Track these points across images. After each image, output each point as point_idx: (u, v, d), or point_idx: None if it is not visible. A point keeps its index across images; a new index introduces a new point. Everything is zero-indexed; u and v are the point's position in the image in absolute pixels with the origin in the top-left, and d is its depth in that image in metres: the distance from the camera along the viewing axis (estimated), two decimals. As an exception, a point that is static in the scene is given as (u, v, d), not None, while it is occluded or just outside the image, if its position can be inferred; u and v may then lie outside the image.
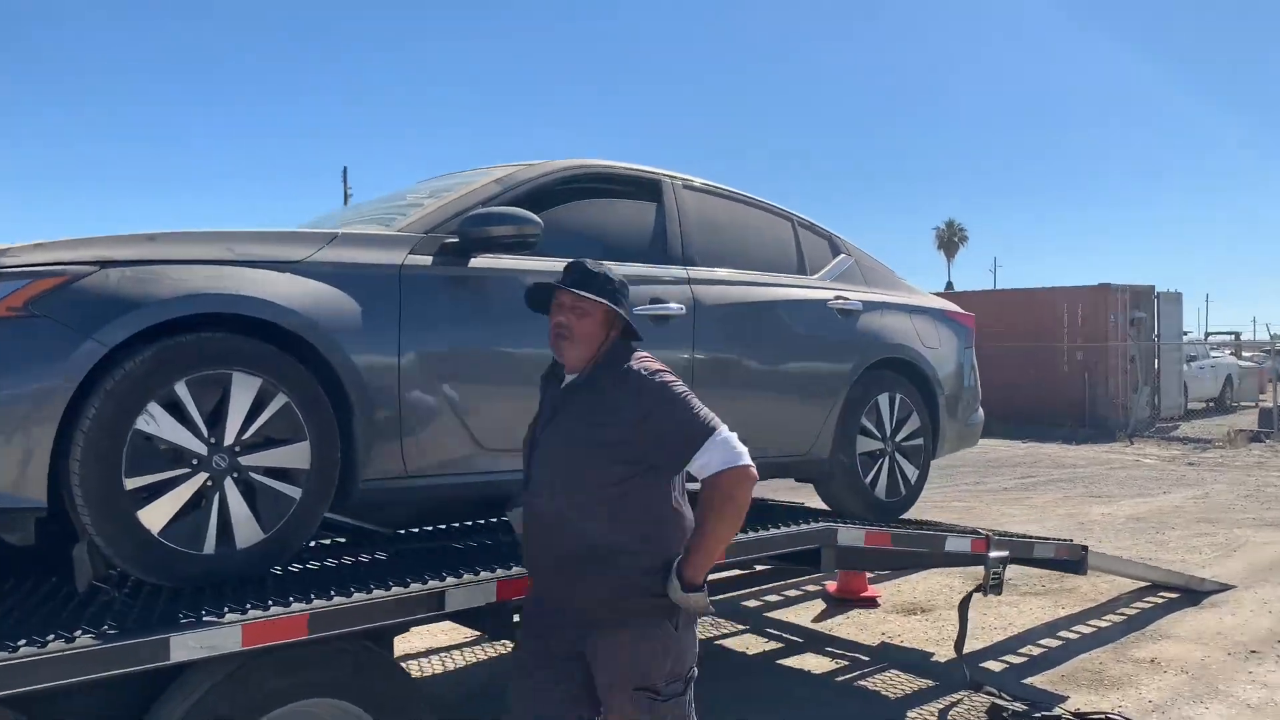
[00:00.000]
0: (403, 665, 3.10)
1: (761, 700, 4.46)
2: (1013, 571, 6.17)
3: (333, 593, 2.66)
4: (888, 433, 4.68)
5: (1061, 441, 16.61)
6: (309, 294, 2.89)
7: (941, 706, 4.40)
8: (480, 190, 3.50)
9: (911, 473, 4.81)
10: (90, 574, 2.59)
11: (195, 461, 2.66)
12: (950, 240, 74.03)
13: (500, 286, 3.32)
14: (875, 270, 5.05)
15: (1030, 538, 5.25)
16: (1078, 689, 4.61)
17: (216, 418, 2.70)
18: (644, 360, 2.48)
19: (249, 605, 2.52)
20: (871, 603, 6.21)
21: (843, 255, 4.88)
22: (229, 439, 2.71)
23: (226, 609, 2.48)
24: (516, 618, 2.88)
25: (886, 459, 4.68)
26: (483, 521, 4.01)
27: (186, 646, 2.35)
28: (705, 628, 5.66)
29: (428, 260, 3.19)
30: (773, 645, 5.41)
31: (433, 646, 5.16)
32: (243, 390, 2.73)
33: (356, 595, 2.68)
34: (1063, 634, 5.55)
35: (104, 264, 2.62)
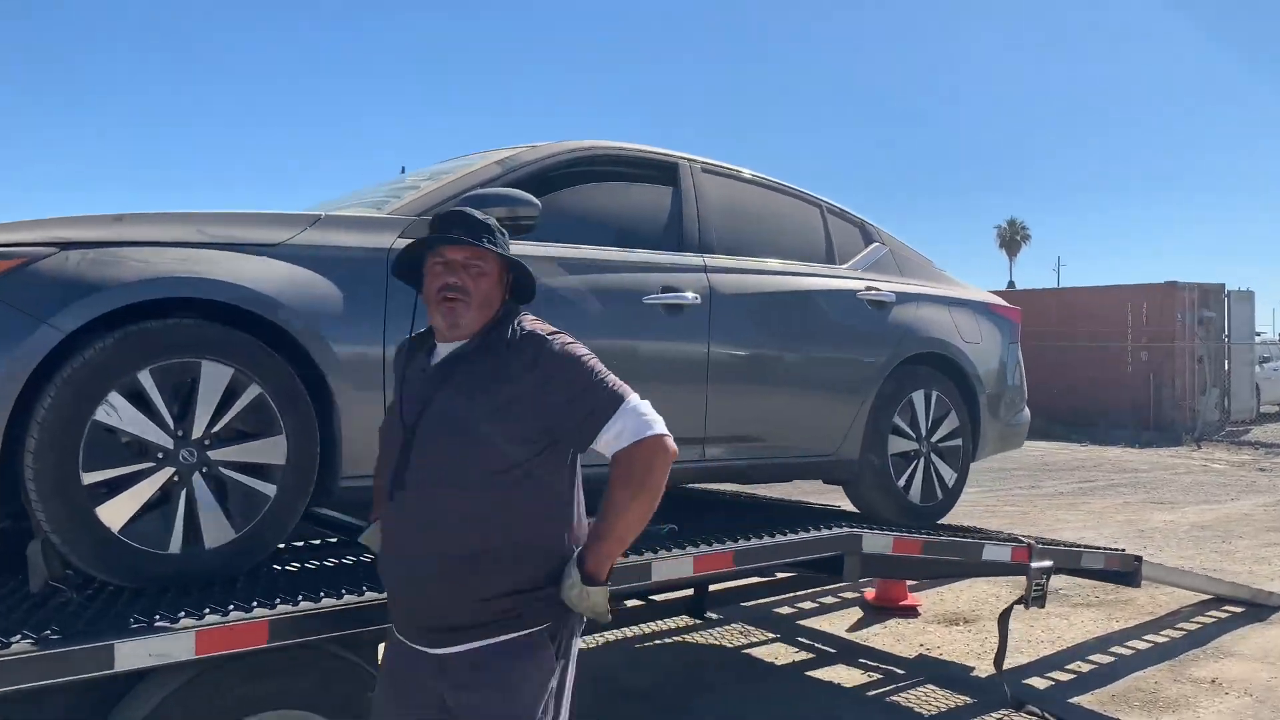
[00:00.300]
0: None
1: (787, 714, 4.22)
2: (1064, 581, 5.87)
3: (300, 597, 2.48)
4: (923, 432, 4.39)
5: (1124, 445, 16.00)
6: (287, 279, 2.73)
7: (978, 726, 4.11)
8: (480, 172, 3.31)
9: (949, 475, 4.52)
10: (45, 574, 2.45)
11: (160, 455, 2.51)
12: (1012, 239, 72.42)
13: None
14: (912, 260, 4.76)
15: (1079, 546, 4.92)
16: (1130, 710, 4.28)
17: (184, 409, 2.56)
18: (537, 323, 2.05)
19: (208, 609, 2.36)
20: (911, 612, 5.91)
21: (876, 244, 4.60)
22: (197, 431, 2.56)
23: (183, 613, 2.32)
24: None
25: (921, 460, 4.40)
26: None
27: (134, 654, 2.19)
28: (732, 635, 5.43)
29: (418, 245, 3.01)
30: (803, 655, 5.14)
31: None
32: (213, 380, 2.58)
33: (326, 600, 2.50)
34: (1115, 649, 5.19)
35: (64, 245, 2.48)
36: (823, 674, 4.81)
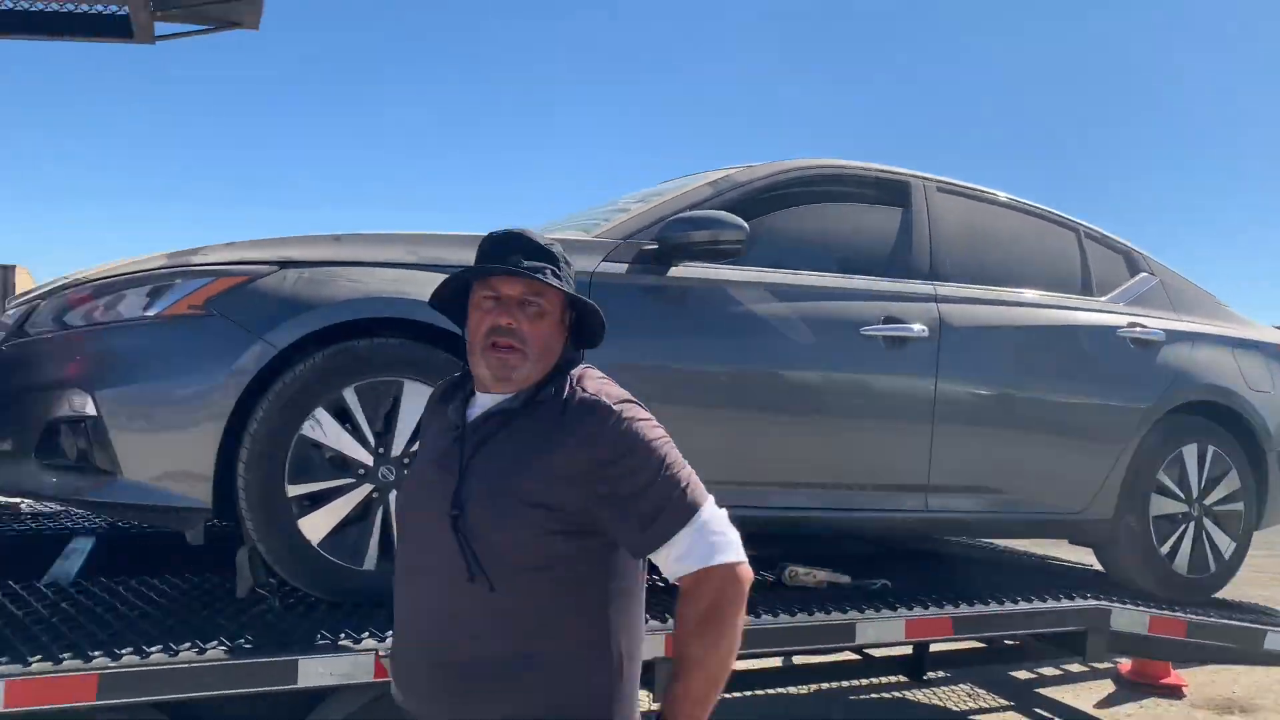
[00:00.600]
0: None
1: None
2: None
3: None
4: (1194, 493, 3.79)
5: None
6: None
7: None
8: (691, 194, 3.18)
9: (1225, 544, 3.88)
10: (250, 580, 2.54)
11: (361, 472, 2.55)
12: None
13: (703, 298, 3.00)
14: (1187, 293, 4.15)
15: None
16: None
17: (386, 428, 2.59)
18: (603, 384, 1.60)
19: (391, 632, 2.35)
20: (1174, 692, 5.16)
21: (1144, 274, 4.05)
22: (396, 450, 2.58)
23: (366, 634, 2.33)
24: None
25: (1191, 525, 3.80)
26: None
27: (316, 673, 2.21)
28: (958, 697, 4.96)
29: (622, 268, 2.92)
30: (1040, 731, 4.61)
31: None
32: (414, 400, 2.59)
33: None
34: None
35: (284, 264, 2.58)
36: (1061, 756, 4.28)
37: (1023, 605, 3.06)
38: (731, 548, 1.50)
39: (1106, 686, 5.24)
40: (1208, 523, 3.83)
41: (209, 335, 2.46)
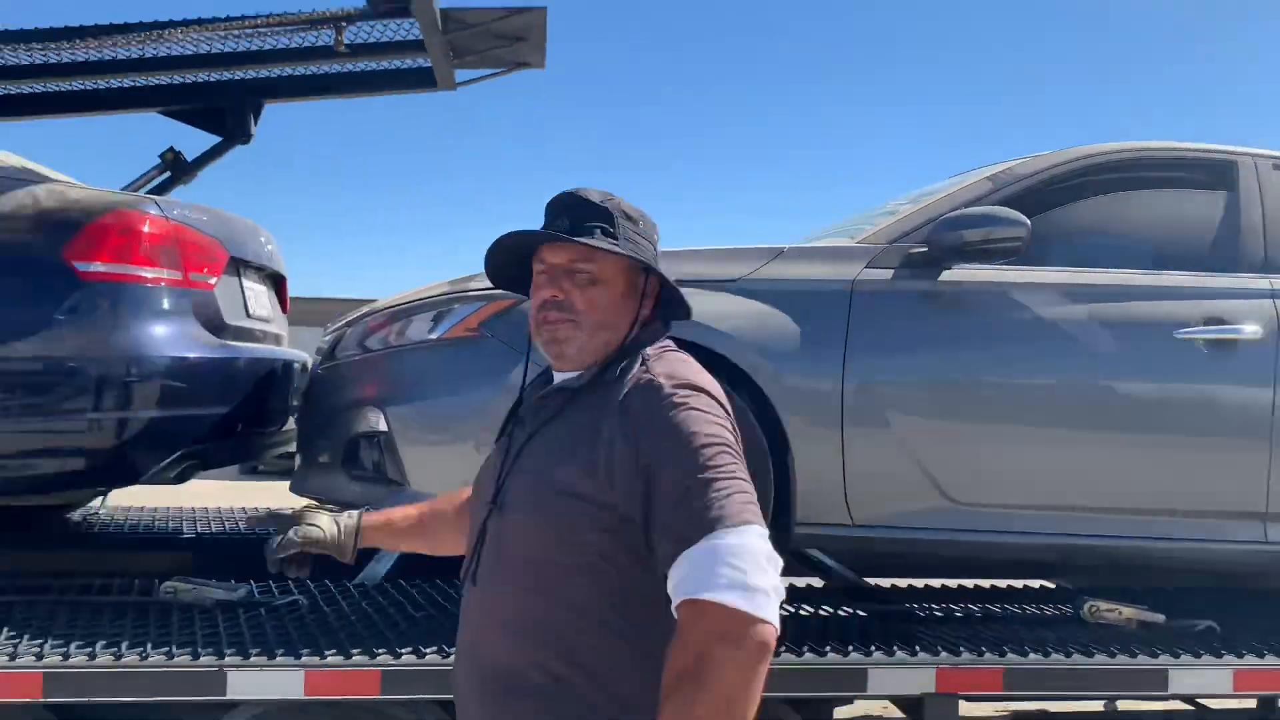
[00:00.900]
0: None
1: None
2: None
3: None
4: None
5: None
6: (741, 315, 2.66)
7: None
8: (967, 190, 2.95)
9: None
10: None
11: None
12: None
13: (982, 303, 2.76)
14: None
15: None
16: None
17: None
18: (674, 363, 1.38)
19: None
20: None
21: None
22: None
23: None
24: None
25: None
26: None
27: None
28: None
29: (887, 274, 2.75)
30: None
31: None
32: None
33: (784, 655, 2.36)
34: None
35: (549, 286, 2.69)
36: None
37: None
38: (743, 590, 1.12)
39: None
40: None
41: (482, 355, 2.61)
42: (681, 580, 1.16)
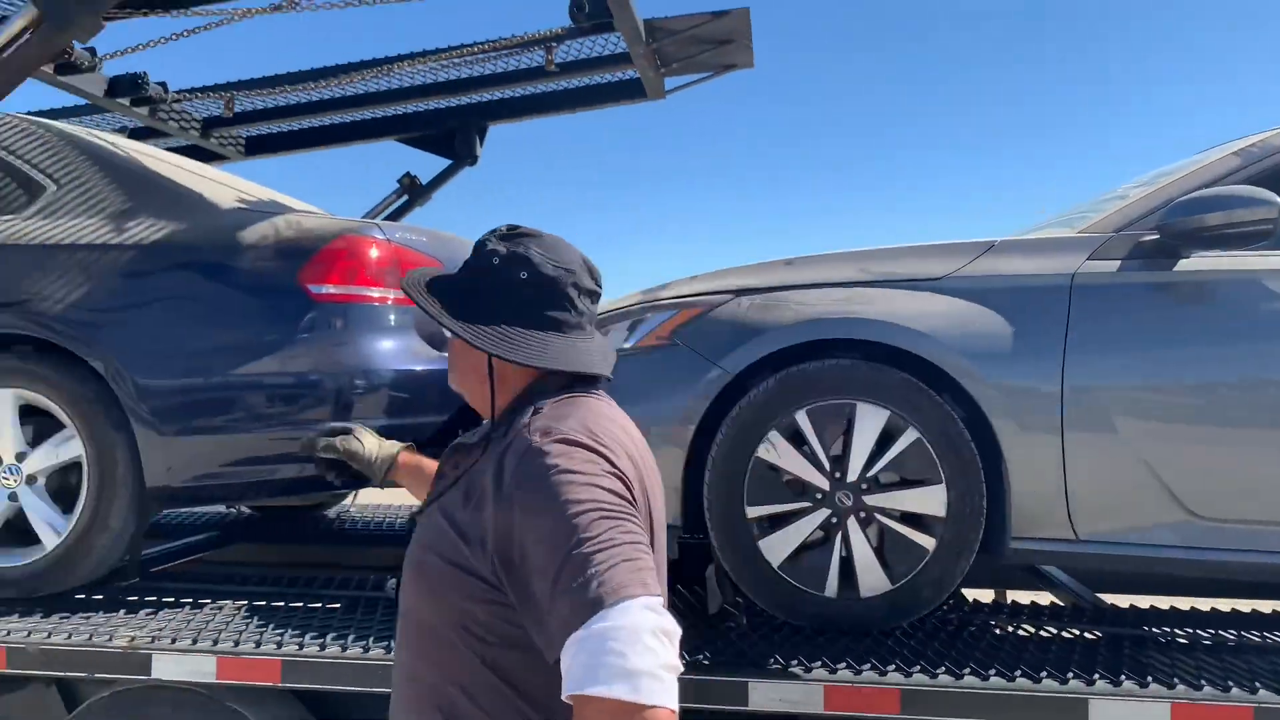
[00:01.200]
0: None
1: None
2: None
3: (943, 670, 2.24)
4: None
5: None
6: (946, 314, 2.51)
7: None
8: (1210, 168, 2.62)
9: None
10: (720, 598, 2.64)
11: (818, 496, 2.52)
12: None
13: (1224, 295, 2.45)
14: None
15: None
16: None
17: (842, 451, 2.52)
18: (562, 419, 1.26)
19: (844, 664, 2.28)
20: None
21: None
22: (853, 475, 2.50)
23: (819, 663, 2.28)
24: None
25: None
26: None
27: (765, 697, 2.21)
28: None
29: (1112, 266, 2.50)
30: None
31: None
32: (868, 422, 2.49)
33: (968, 678, 2.21)
34: None
35: (739, 292, 2.66)
36: None
37: None
38: (626, 678, 1.01)
39: None
40: None
41: (673, 364, 2.62)
42: (567, 672, 1.06)
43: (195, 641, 2.47)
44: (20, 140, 3.07)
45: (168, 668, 2.41)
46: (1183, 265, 2.46)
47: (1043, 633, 2.64)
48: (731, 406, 2.55)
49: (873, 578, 2.50)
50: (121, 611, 2.74)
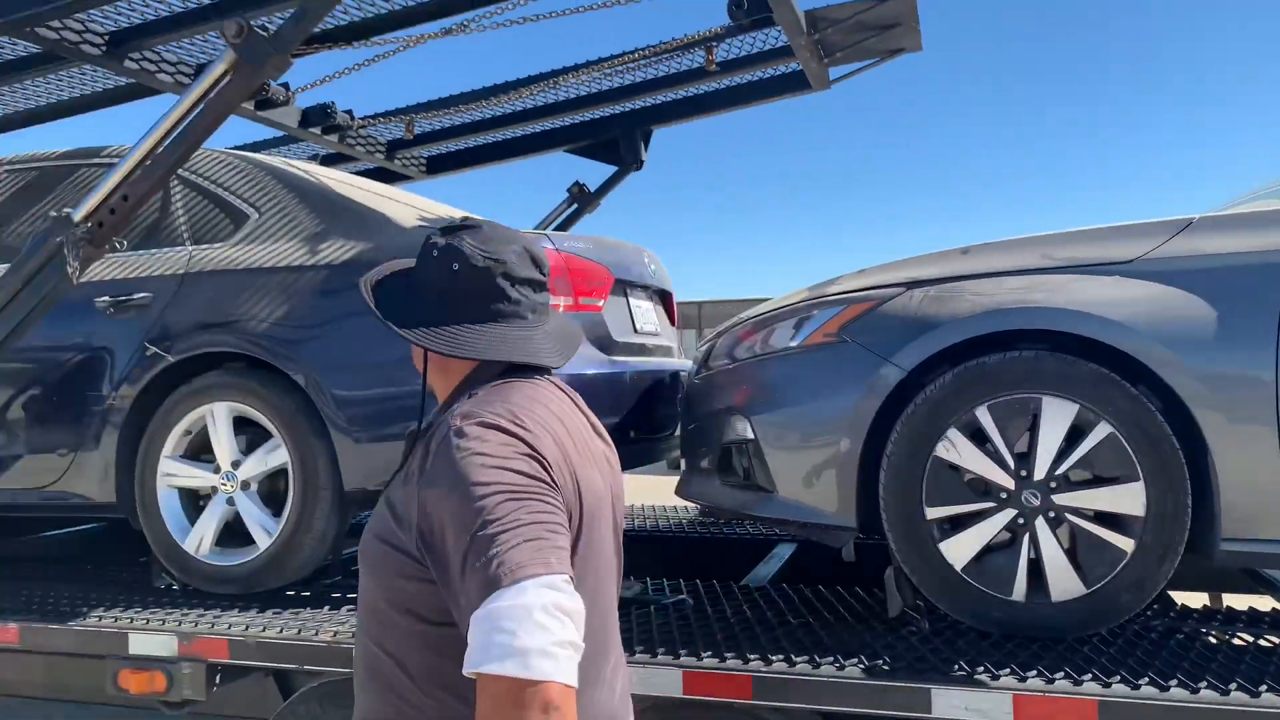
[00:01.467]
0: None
1: None
2: None
3: (1144, 680, 2.08)
4: None
5: None
6: (1141, 300, 2.34)
7: None
8: None
9: None
10: (900, 601, 2.56)
11: (1002, 495, 2.40)
12: None
13: None
14: None
15: None
16: None
17: (1027, 449, 2.40)
18: (485, 404, 1.30)
19: (1035, 672, 2.16)
20: None
21: None
22: (1040, 473, 2.37)
23: (1007, 671, 2.17)
24: None
25: None
26: None
27: (949, 704, 2.13)
28: None
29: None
30: None
31: None
32: (1055, 417, 2.36)
33: (1175, 690, 2.05)
34: None
35: (911, 285, 2.57)
36: None
37: None
38: (517, 655, 1.06)
39: None
40: None
41: (843, 361, 2.56)
42: (468, 651, 1.10)
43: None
44: (225, 173, 3.35)
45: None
46: None
47: (1262, 642, 2.42)
48: (905, 404, 2.47)
49: (1065, 581, 2.36)
50: (326, 608, 2.94)
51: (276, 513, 3.06)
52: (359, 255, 3.06)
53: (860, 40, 4.18)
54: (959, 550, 2.43)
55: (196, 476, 3.15)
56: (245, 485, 3.10)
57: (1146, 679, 2.10)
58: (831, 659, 2.29)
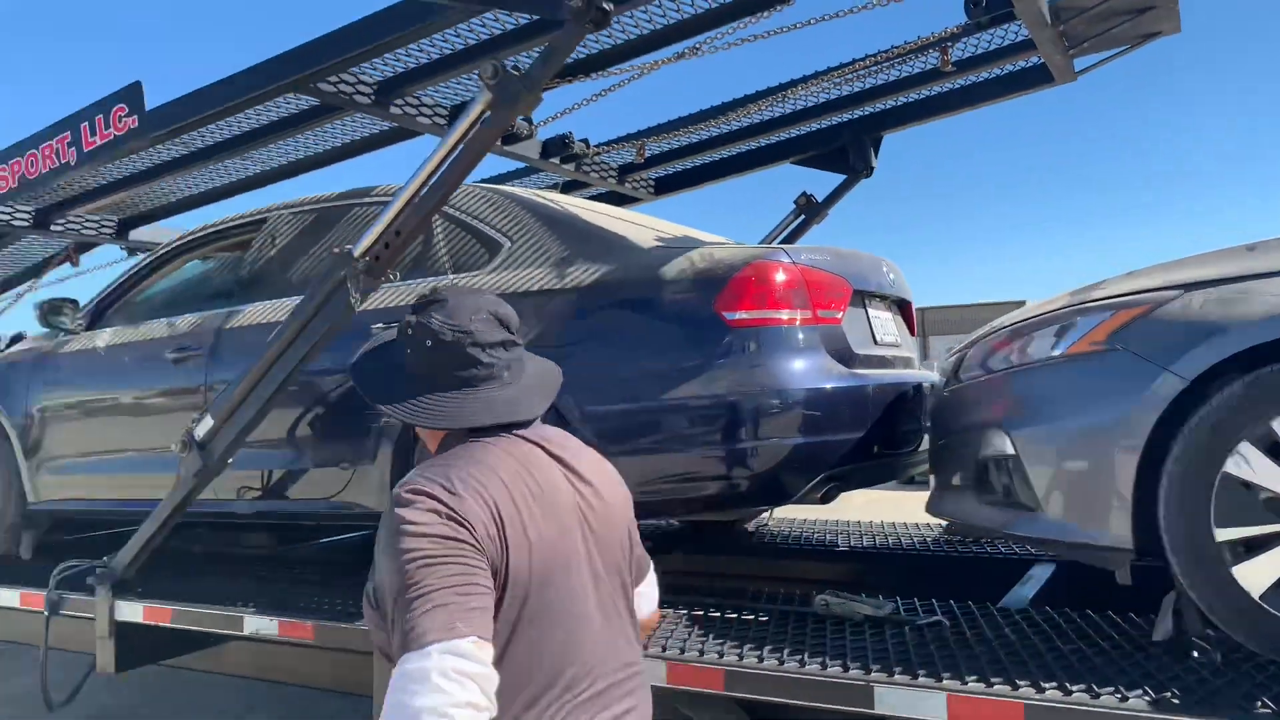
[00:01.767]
0: None
1: None
2: None
3: None
4: None
5: None
6: None
7: None
8: None
9: None
10: (1168, 626, 2.36)
11: (1304, 516, 2.17)
12: None
13: None
14: None
15: None
16: None
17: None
18: (426, 469, 1.45)
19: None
20: None
21: None
22: (1354, 492, 2.12)
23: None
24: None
25: None
26: None
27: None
28: None
29: None
30: None
31: None
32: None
33: None
34: None
35: (1188, 286, 2.37)
36: None
37: None
38: (411, 714, 1.20)
39: None
40: None
41: (1112, 371, 2.40)
42: (383, 707, 1.23)
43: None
44: (480, 206, 3.58)
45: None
46: None
47: None
48: (1187, 416, 2.28)
49: (1388, 613, 2.10)
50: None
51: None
52: (603, 277, 3.18)
53: (1109, 27, 3.93)
54: (1257, 575, 2.21)
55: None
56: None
57: None
58: (1112, 689, 2.14)
